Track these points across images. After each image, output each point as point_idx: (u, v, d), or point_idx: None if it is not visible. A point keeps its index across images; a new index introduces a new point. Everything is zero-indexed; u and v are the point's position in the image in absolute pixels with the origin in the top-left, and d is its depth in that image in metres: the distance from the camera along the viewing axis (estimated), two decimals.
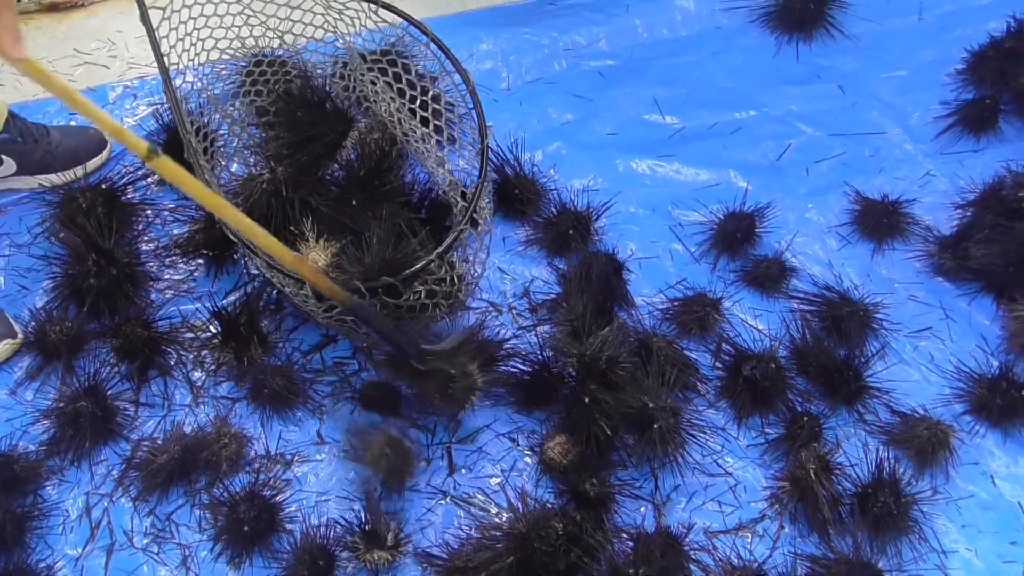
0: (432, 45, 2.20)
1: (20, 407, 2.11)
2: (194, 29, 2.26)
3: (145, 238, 2.36)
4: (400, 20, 2.23)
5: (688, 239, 2.43)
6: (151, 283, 2.29)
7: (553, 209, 2.44)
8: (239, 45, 2.37)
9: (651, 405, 2.02)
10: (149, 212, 2.40)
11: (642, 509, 2.04)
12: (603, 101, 2.70)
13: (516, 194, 2.43)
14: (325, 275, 1.92)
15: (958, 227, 2.42)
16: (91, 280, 2.17)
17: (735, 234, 2.39)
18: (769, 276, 2.34)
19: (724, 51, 2.81)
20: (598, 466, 2.03)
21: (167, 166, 1.61)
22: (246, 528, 1.93)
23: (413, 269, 1.99)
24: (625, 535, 1.98)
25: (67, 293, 2.21)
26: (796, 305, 2.31)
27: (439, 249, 2.01)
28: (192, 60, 2.30)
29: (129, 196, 2.39)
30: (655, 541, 1.94)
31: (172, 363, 2.18)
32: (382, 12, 2.24)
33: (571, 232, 2.37)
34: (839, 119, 2.67)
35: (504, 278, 2.35)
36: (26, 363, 2.17)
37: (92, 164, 2.44)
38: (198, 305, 2.26)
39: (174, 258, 2.34)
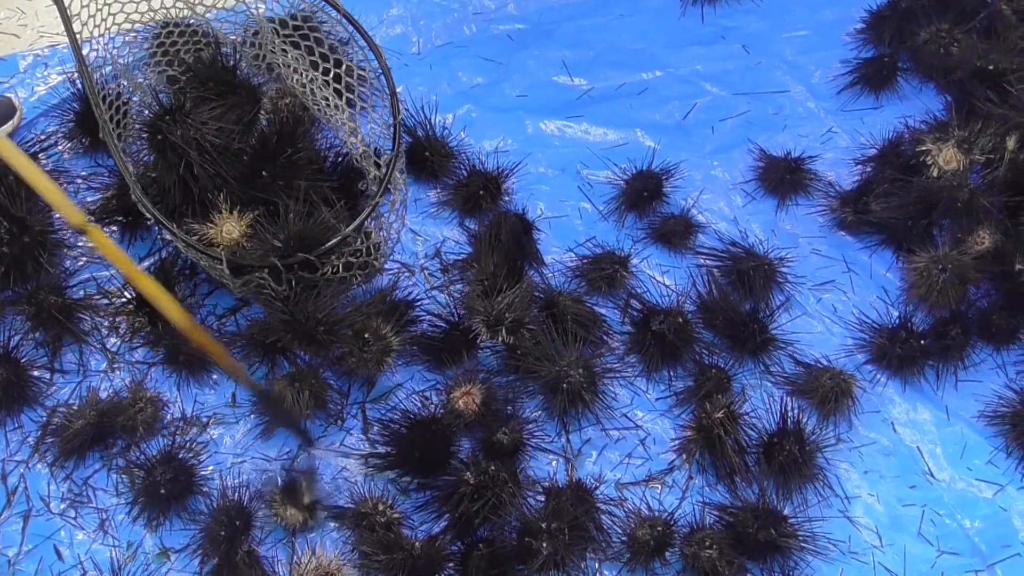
0: (344, 21, 2.20)
1: None
2: None
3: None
4: None
5: (597, 198, 2.46)
6: (65, 250, 2.29)
7: (463, 171, 2.46)
8: (149, 13, 2.34)
9: (559, 364, 2.06)
10: (62, 180, 2.38)
11: (553, 463, 2.08)
12: (512, 64, 2.72)
13: (427, 157, 2.45)
14: (221, 347, 1.99)
15: (859, 182, 2.47)
16: (3, 248, 2.17)
17: (642, 192, 2.43)
18: (676, 233, 2.38)
19: (631, 13, 2.84)
20: (506, 418, 2.06)
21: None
22: (163, 491, 1.94)
23: (329, 244, 2.01)
24: (538, 488, 2.01)
25: None
26: (703, 260, 2.36)
27: (355, 223, 2.03)
28: (101, 28, 2.27)
29: (42, 164, 2.38)
30: (566, 494, 1.97)
31: (87, 330, 2.18)
32: None
33: (481, 193, 2.39)
34: (743, 78, 2.72)
35: (416, 239, 2.38)
36: None
37: (2, 131, 2.41)
38: (112, 272, 2.25)
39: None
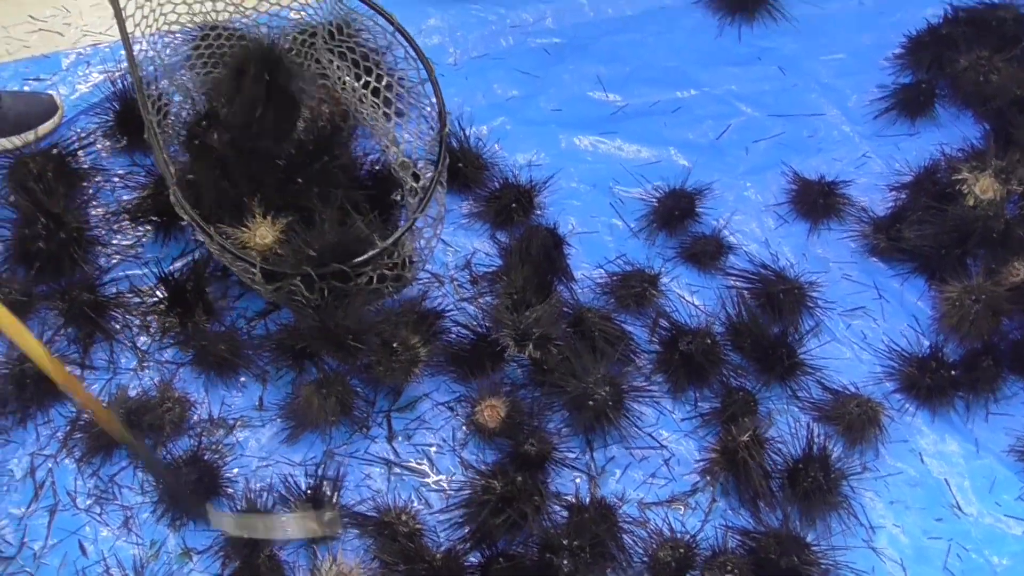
0: (398, 35, 2.20)
1: None
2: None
3: (95, 203, 2.37)
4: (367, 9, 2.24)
5: (628, 215, 2.46)
6: (99, 248, 2.30)
7: (496, 183, 2.46)
8: (200, 15, 2.35)
9: (586, 381, 2.05)
10: (99, 178, 2.41)
11: (577, 479, 2.07)
12: (548, 78, 2.72)
13: (460, 168, 2.44)
14: (107, 411, 1.95)
15: (892, 209, 2.46)
16: (40, 244, 2.18)
17: (674, 211, 2.42)
18: (707, 253, 2.37)
19: (667, 31, 2.84)
20: (532, 430, 2.05)
21: None
22: (187, 491, 1.94)
23: (366, 256, 2.01)
24: (559, 505, 2.01)
25: (17, 256, 2.22)
26: (732, 282, 2.34)
27: (394, 236, 2.03)
28: (152, 28, 2.27)
29: (80, 162, 2.40)
30: (589, 511, 1.97)
31: (118, 327, 2.18)
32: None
33: (514, 206, 2.39)
34: (778, 100, 2.71)
35: (447, 250, 2.37)
36: None
37: (43, 129, 2.44)
38: (145, 270, 2.27)
39: (123, 224, 2.35)
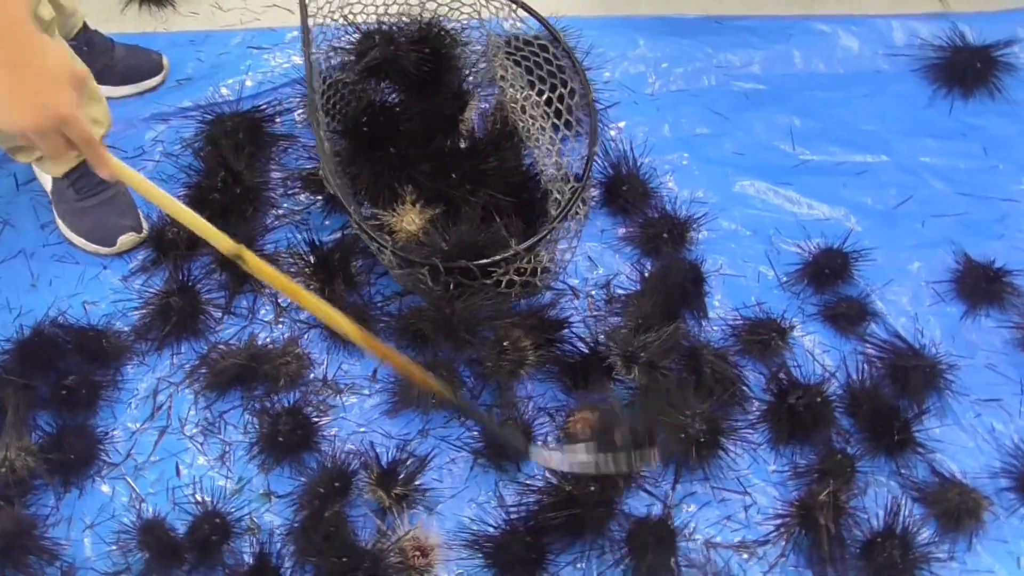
0: (564, 56, 2.30)
1: (127, 292, 2.33)
2: None
3: (278, 167, 2.56)
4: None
5: (780, 266, 2.44)
6: (271, 208, 2.48)
7: (656, 212, 2.49)
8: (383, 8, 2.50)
9: (683, 413, 2.07)
10: (286, 144, 2.59)
11: (653, 506, 2.09)
12: (739, 121, 2.74)
13: (624, 191, 2.50)
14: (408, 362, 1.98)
15: None
16: (215, 195, 2.38)
17: (825, 269, 2.39)
18: (847, 315, 2.34)
19: (875, 94, 2.81)
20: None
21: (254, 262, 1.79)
22: (280, 439, 2.08)
23: (493, 259, 2.09)
24: (627, 523, 2.03)
25: (193, 203, 2.40)
26: (866, 348, 2.30)
27: (525, 244, 2.09)
28: (335, 17, 2.45)
29: (275, 127, 2.60)
30: (652, 532, 1.98)
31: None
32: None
33: (665, 236, 2.42)
34: (972, 179, 2.63)
35: (593, 267, 2.43)
36: (143, 256, 2.38)
37: (146, 84, 2.68)
38: (305, 236, 2.42)
39: (297, 190, 2.52)
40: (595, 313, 2.34)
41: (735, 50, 2.88)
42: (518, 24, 2.40)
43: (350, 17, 2.43)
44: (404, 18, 2.44)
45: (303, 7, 2.26)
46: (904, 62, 2.87)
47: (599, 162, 2.55)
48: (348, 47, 2.39)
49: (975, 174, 2.65)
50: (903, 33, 2.93)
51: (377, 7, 2.47)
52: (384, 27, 2.40)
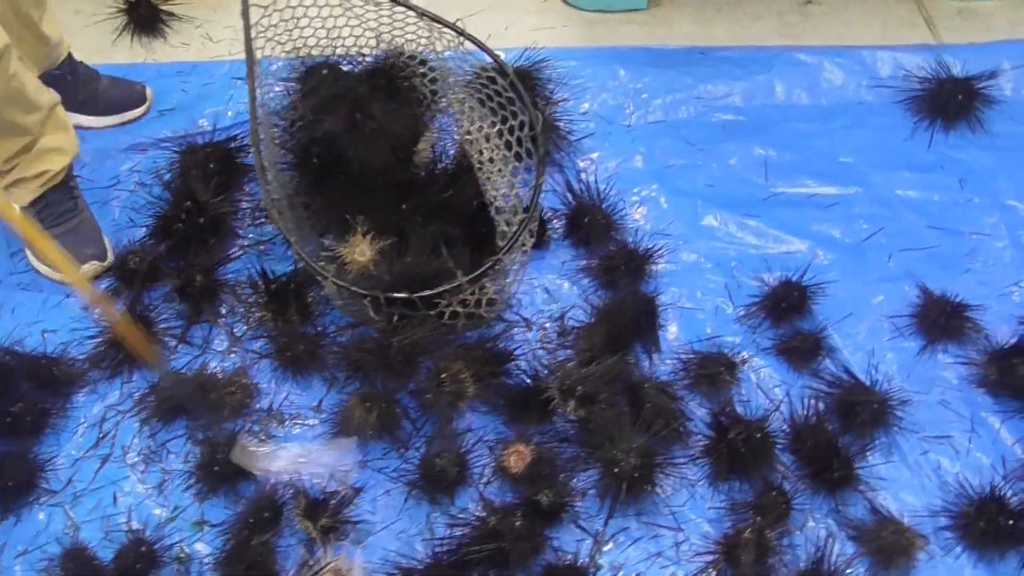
0: (510, 87, 2.31)
1: (86, 320, 2.40)
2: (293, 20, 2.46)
3: (246, 197, 2.61)
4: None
5: (739, 299, 2.44)
6: (236, 239, 2.53)
7: (615, 245, 2.50)
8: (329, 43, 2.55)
9: (617, 448, 2.08)
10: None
11: (583, 541, 2.09)
12: (713, 153, 2.73)
13: (586, 223, 2.51)
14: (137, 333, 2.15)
15: (1016, 343, 2.31)
16: (179, 224, 2.44)
17: (782, 303, 2.38)
18: (800, 350, 2.33)
19: (856, 126, 2.79)
20: (551, 484, 2.09)
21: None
22: (216, 468, 2.12)
23: (435, 291, 2.13)
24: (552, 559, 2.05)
25: (158, 233, 2.49)
26: (815, 384, 2.28)
27: (469, 276, 2.13)
28: (286, 48, 2.49)
29: (247, 158, 2.64)
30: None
31: (224, 312, 2.40)
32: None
33: (623, 268, 2.43)
34: (945, 213, 2.60)
35: (549, 299, 2.44)
36: (105, 285, 2.45)
37: (129, 116, 2.76)
38: (265, 266, 2.45)
39: (263, 220, 2.56)
40: (546, 345, 2.36)
41: (716, 81, 2.88)
42: (470, 57, 2.42)
43: (303, 51, 2.47)
44: (357, 50, 2.48)
45: (248, 39, 2.29)
46: (888, 94, 2.85)
47: (562, 194, 2.57)
48: (294, 80, 2.44)
49: (949, 207, 2.62)
50: (889, 64, 2.91)
51: (332, 40, 2.52)
52: (332, 60, 2.44)
